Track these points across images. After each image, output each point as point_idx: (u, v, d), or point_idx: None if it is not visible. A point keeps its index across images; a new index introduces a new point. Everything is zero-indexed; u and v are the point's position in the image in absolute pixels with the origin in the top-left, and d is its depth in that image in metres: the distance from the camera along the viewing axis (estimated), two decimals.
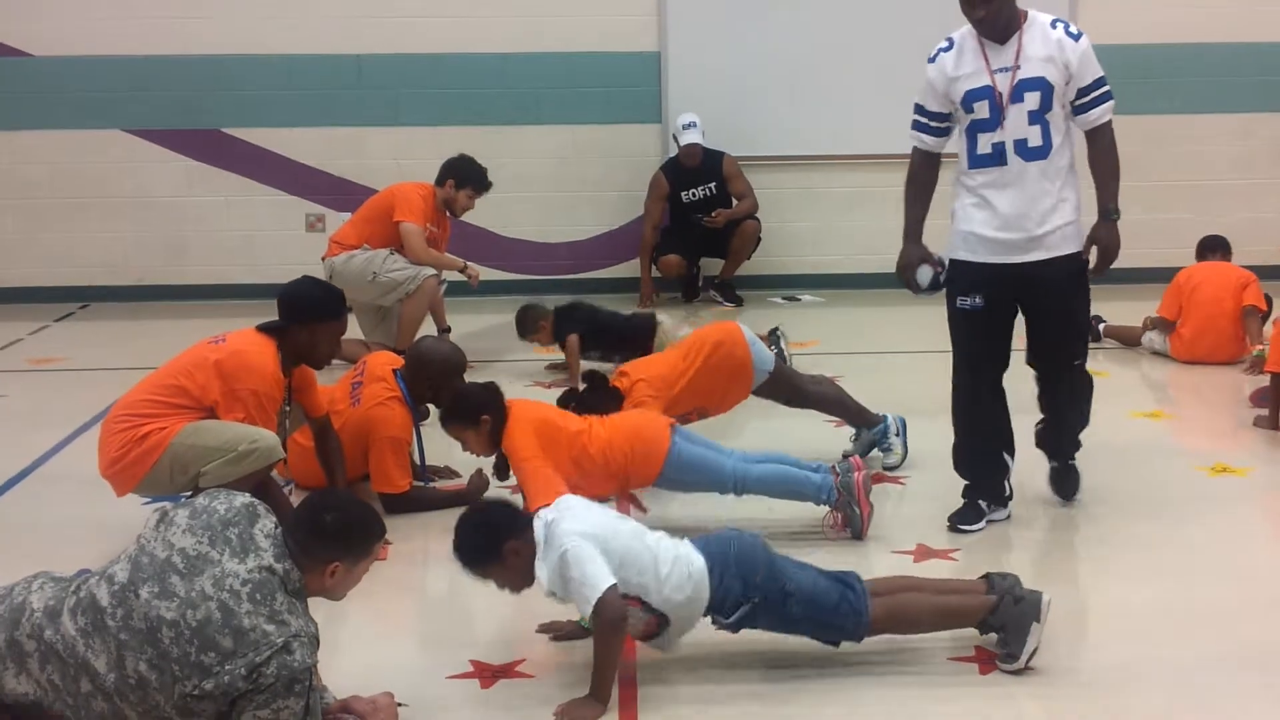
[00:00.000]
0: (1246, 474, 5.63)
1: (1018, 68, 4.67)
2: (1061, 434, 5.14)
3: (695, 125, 9.23)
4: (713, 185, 9.40)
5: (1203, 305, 7.43)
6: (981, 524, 4.96)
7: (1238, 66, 9.86)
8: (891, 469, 5.64)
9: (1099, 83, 4.72)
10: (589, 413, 5.39)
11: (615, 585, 3.60)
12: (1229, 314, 7.42)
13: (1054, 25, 4.71)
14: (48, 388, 7.50)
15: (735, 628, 3.82)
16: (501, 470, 5.02)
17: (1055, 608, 3.86)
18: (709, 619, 3.83)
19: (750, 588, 3.75)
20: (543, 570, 3.69)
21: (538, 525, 3.75)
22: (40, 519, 5.28)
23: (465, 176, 7.82)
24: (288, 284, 5.10)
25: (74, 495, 5.38)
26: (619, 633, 3.63)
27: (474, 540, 3.77)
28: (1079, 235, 4.78)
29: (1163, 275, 7.73)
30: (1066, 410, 5.06)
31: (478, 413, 4.91)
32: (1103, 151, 4.79)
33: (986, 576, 3.99)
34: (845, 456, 5.67)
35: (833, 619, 3.80)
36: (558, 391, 5.72)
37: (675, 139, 9.38)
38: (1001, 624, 3.84)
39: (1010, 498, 5.05)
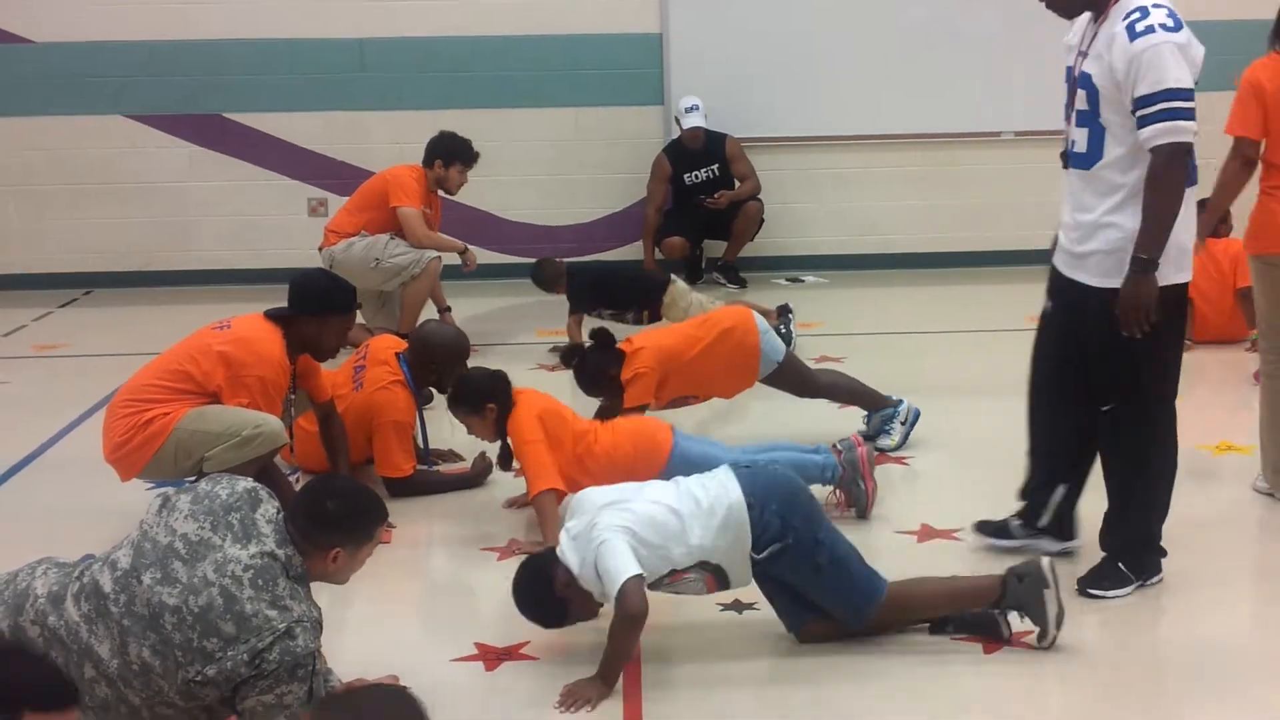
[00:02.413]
0: (1251, 451, 5.62)
1: (1083, 55, 3.94)
2: (1114, 505, 4.28)
3: (698, 108, 9.21)
4: (715, 167, 9.37)
5: (1201, 297, 7.38)
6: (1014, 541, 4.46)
7: (1236, 46, 9.79)
8: (884, 451, 5.60)
9: (1158, 96, 3.78)
10: (593, 368, 5.40)
11: (640, 576, 3.63)
12: (1228, 296, 7.39)
13: (1127, 15, 3.87)
14: (51, 374, 7.51)
15: (761, 568, 3.81)
16: (505, 460, 5.03)
17: (1061, 587, 3.83)
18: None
19: (787, 528, 3.77)
20: (574, 559, 3.71)
21: (563, 538, 3.79)
22: (44, 505, 5.29)
23: (452, 153, 7.79)
24: (299, 274, 5.09)
25: (78, 481, 5.39)
26: (636, 625, 3.65)
27: (531, 601, 3.84)
28: (1121, 271, 3.92)
29: None
30: (1112, 467, 4.23)
31: (483, 401, 4.93)
32: (1147, 181, 3.85)
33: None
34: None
35: (851, 581, 3.83)
36: (561, 374, 5.71)
37: (678, 122, 9.36)
38: (1018, 603, 3.85)
39: (1046, 528, 4.36)
